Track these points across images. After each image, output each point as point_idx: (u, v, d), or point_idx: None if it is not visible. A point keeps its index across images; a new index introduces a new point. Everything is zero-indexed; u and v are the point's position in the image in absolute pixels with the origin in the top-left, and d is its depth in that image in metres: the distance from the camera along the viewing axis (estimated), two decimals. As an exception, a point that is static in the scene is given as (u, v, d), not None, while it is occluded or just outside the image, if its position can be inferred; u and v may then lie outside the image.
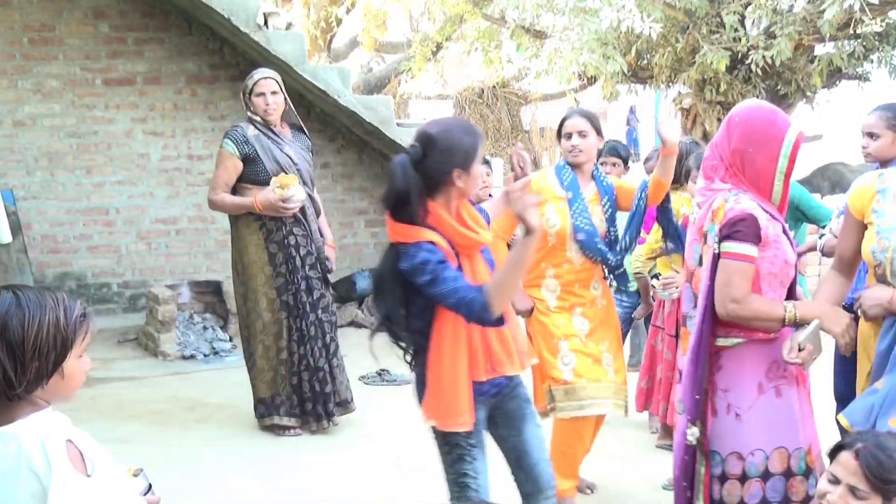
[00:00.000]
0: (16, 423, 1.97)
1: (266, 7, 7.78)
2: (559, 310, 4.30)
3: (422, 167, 2.97)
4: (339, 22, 15.62)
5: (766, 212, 3.07)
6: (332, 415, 5.53)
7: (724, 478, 3.12)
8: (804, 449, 3.12)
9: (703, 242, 3.19)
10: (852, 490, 2.42)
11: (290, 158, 5.46)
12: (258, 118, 5.41)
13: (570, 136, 4.28)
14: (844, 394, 4.52)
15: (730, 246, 3.03)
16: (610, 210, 4.35)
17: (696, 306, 3.19)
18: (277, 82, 5.45)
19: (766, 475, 3.08)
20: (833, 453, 2.53)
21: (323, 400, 5.49)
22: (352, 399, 5.69)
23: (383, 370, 6.67)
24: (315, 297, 5.48)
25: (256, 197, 5.29)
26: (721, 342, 3.14)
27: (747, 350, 3.12)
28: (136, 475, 2.29)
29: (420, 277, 2.92)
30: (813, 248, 4.68)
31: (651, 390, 5.34)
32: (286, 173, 5.33)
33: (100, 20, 8.36)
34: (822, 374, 4.76)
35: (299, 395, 5.47)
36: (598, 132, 4.36)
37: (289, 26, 7.88)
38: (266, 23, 7.49)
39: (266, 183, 5.31)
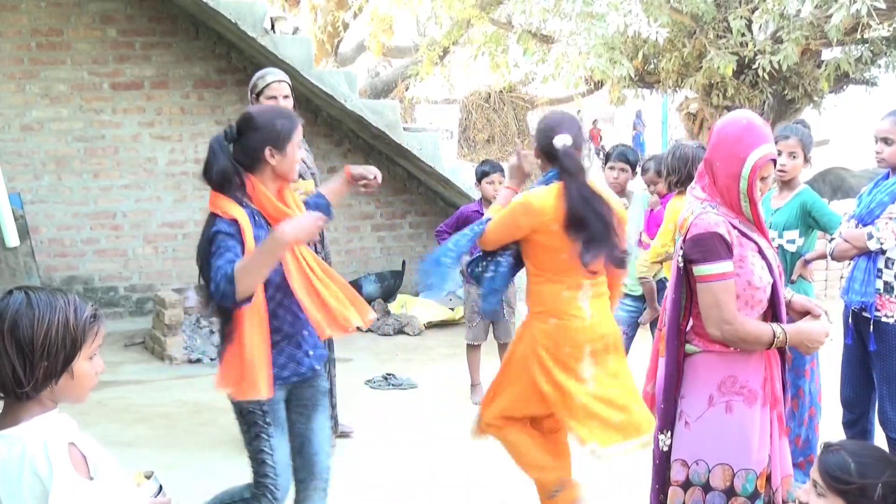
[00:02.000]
0: (21, 426, 1.98)
1: (273, 11, 7.81)
2: None
3: (238, 144, 3.22)
4: (346, 26, 15.66)
5: (736, 228, 2.96)
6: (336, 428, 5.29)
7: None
8: (755, 472, 2.96)
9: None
10: (815, 485, 2.47)
11: (305, 163, 5.36)
12: None
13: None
14: (851, 400, 4.51)
15: (706, 269, 2.94)
16: None
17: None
18: (289, 85, 5.40)
19: (706, 487, 3.00)
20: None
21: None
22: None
23: (389, 374, 6.67)
24: None
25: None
26: (686, 348, 3.15)
27: (702, 360, 3.09)
28: (147, 477, 2.30)
29: (210, 246, 3.10)
30: (823, 256, 4.63)
31: (655, 395, 5.32)
32: (303, 178, 5.25)
33: (107, 25, 8.39)
34: (829, 381, 4.75)
35: None
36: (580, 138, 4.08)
37: (296, 31, 7.90)
38: (273, 27, 7.51)
39: None
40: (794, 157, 4.49)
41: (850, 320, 4.37)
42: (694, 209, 3.00)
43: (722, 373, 3.03)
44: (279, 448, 3.31)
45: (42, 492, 1.92)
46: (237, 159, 3.21)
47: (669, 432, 3.11)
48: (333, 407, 5.43)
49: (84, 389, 2.10)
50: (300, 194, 5.06)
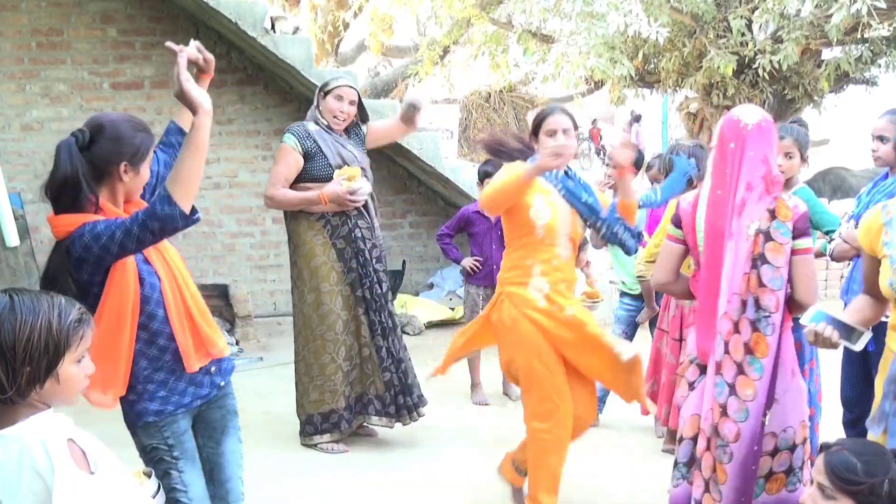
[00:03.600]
0: (16, 426, 1.98)
1: (273, 11, 7.81)
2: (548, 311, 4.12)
3: (88, 153, 2.81)
4: (346, 26, 15.66)
5: None
6: (419, 405, 5.33)
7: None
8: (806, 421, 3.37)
9: (756, 242, 3.15)
10: (821, 488, 2.45)
11: (353, 154, 5.26)
12: (323, 120, 5.22)
13: (554, 133, 4.08)
14: (852, 399, 4.51)
15: (807, 242, 3.22)
16: (594, 200, 4.21)
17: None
18: (359, 94, 5.27)
19: (792, 448, 3.29)
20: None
21: (410, 391, 5.29)
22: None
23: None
24: (384, 290, 5.27)
25: (323, 190, 5.03)
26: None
27: (786, 336, 3.26)
28: (147, 476, 2.31)
29: (97, 244, 2.71)
30: (821, 254, 4.64)
31: (656, 393, 5.33)
32: (349, 166, 5.17)
33: (107, 24, 8.39)
34: (829, 381, 4.75)
35: (392, 391, 5.26)
36: (575, 127, 4.28)
37: (296, 30, 7.89)
38: (273, 27, 7.51)
39: (327, 179, 5.08)
40: (790, 157, 4.48)
41: None
42: (781, 193, 3.24)
43: (792, 343, 3.32)
44: (193, 483, 3.02)
45: (44, 490, 1.92)
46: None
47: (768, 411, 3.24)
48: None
49: (72, 393, 2.10)
50: (343, 179, 5.02)
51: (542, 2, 9.77)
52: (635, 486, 4.81)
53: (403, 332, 8.13)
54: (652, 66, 11.02)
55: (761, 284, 3.13)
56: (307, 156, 5.12)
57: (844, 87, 11.56)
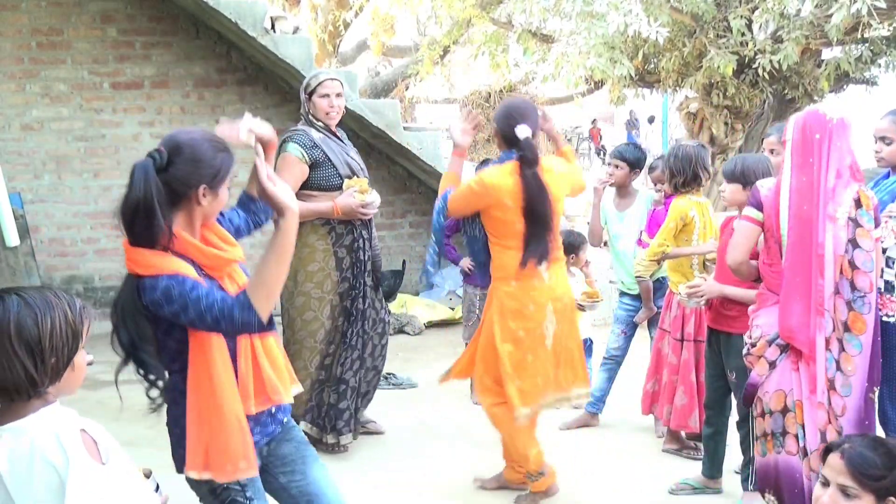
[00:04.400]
0: (26, 419, 2.00)
1: (273, 11, 7.80)
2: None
3: (164, 175, 2.62)
4: (346, 26, 15.66)
5: None
6: (341, 433, 5.23)
7: None
8: None
9: (849, 228, 3.48)
10: (843, 489, 2.44)
11: (358, 162, 5.25)
12: (319, 122, 5.14)
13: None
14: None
15: (878, 231, 3.55)
16: None
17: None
18: (342, 84, 5.23)
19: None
20: (823, 457, 2.55)
21: (340, 415, 5.22)
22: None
23: (389, 374, 6.67)
24: (365, 305, 5.21)
25: (336, 202, 4.97)
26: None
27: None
28: (147, 476, 2.32)
29: (168, 308, 2.54)
30: None
31: (657, 393, 5.33)
32: (357, 177, 5.13)
33: (108, 24, 8.39)
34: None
35: (321, 406, 5.22)
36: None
37: (296, 30, 7.89)
38: (273, 27, 7.51)
39: (335, 188, 5.03)
40: (776, 154, 4.50)
41: None
42: (863, 187, 3.53)
43: None
44: None
45: (57, 482, 1.93)
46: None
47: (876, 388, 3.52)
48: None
49: (80, 381, 2.15)
50: (355, 191, 4.99)
51: (542, 2, 9.76)
52: (635, 486, 4.81)
53: (403, 332, 8.14)
54: (652, 66, 11.01)
55: (854, 267, 3.43)
56: (314, 165, 5.03)
57: (844, 86, 11.55)
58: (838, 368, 3.45)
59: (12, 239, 7.52)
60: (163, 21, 8.46)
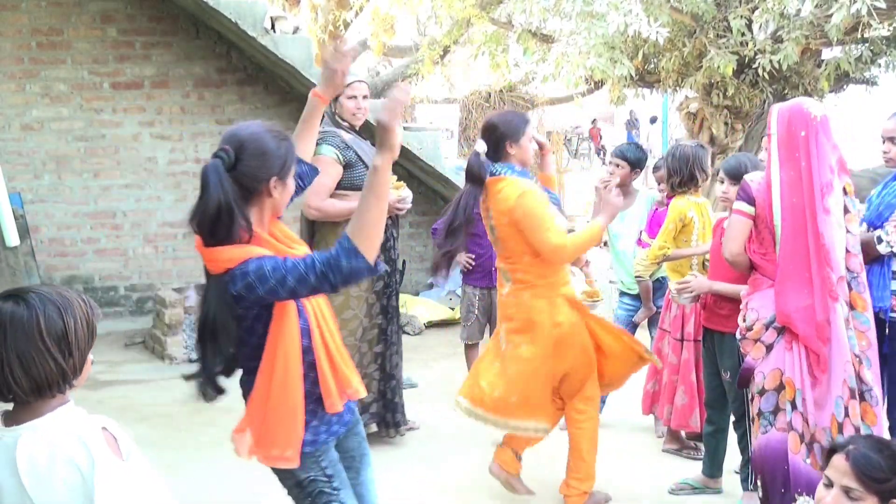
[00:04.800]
0: (44, 418, 2.01)
1: (273, 11, 7.80)
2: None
3: (233, 173, 2.61)
4: (346, 26, 15.65)
5: None
6: (401, 425, 5.43)
7: None
8: None
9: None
10: (846, 491, 2.43)
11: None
12: (345, 122, 5.17)
13: (532, 139, 4.44)
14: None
15: None
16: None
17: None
18: (368, 86, 5.28)
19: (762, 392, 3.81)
20: (827, 458, 2.55)
21: (398, 409, 5.42)
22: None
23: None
24: (397, 302, 5.37)
25: None
26: None
27: None
28: None
29: (263, 287, 2.53)
30: None
31: (657, 393, 5.33)
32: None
33: (108, 24, 8.39)
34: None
35: (384, 402, 5.35)
36: None
37: (296, 30, 7.90)
38: (273, 27, 7.51)
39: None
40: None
41: None
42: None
43: None
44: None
45: (80, 482, 1.94)
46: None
47: None
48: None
49: (85, 378, 2.15)
50: (391, 188, 4.94)
51: (542, 2, 9.75)
52: (635, 486, 4.81)
53: (403, 331, 8.14)
54: (652, 66, 11.00)
55: (847, 251, 3.62)
56: (347, 165, 5.07)
57: (844, 86, 11.55)
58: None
59: (12, 239, 7.52)
60: (163, 21, 8.46)
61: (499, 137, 4.26)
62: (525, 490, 4.55)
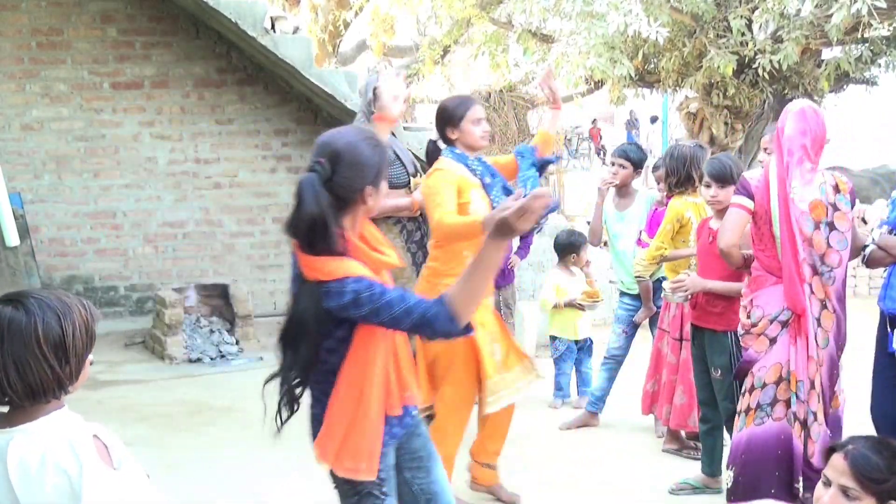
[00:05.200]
0: (37, 422, 2.00)
1: (273, 11, 7.80)
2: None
3: (329, 184, 2.61)
4: (346, 26, 15.67)
5: None
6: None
7: None
8: None
9: (827, 214, 3.77)
10: (844, 490, 2.43)
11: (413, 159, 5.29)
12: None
13: (480, 121, 4.28)
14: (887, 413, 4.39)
15: (855, 211, 3.87)
16: (504, 184, 4.36)
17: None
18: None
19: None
20: (826, 457, 2.55)
21: None
22: None
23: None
24: None
25: (415, 197, 4.84)
26: None
27: None
28: None
29: (356, 311, 2.58)
30: None
31: (657, 393, 5.33)
32: (420, 173, 5.12)
33: (108, 24, 8.39)
34: (864, 389, 4.59)
35: None
36: None
37: (296, 30, 7.90)
38: (273, 27, 7.51)
39: (404, 185, 4.99)
40: (769, 152, 4.66)
41: (889, 328, 4.21)
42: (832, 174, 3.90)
43: None
44: None
45: (68, 488, 1.93)
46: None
47: None
48: None
49: (84, 380, 2.15)
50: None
51: (542, 2, 9.77)
52: (635, 486, 4.81)
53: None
54: (652, 66, 11.02)
55: (829, 246, 3.75)
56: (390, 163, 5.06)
57: (844, 86, 11.57)
58: (819, 325, 3.78)
59: (12, 239, 7.52)
60: (163, 21, 8.45)
61: (441, 124, 4.33)
62: (509, 497, 4.55)
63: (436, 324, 2.53)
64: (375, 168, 2.68)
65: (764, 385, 3.83)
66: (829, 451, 2.55)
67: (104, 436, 2.03)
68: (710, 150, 5.71)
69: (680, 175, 4.89)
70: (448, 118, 4.28)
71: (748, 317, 3.92)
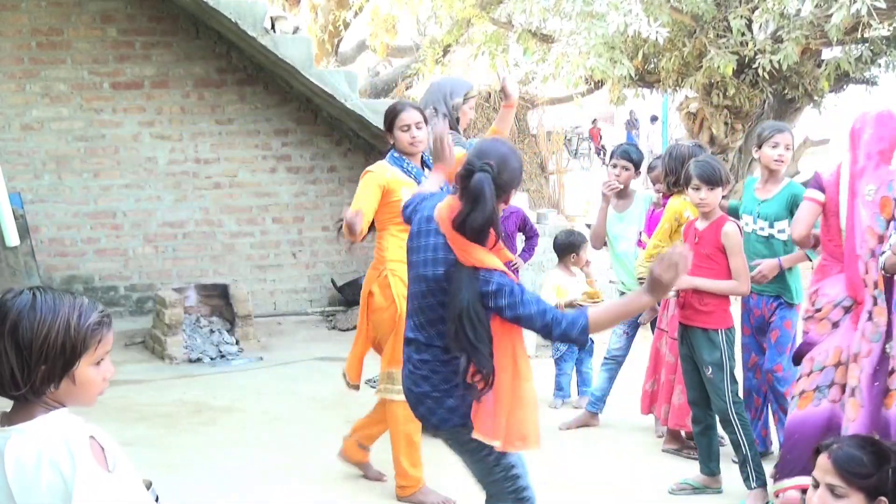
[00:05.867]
0: (34, 421, 1.99)
1: (273, 11, 7.80)
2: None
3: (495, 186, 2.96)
4: (346, 26, 15.67)
5: None
6: None
7: None
8: None
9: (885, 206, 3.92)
10: (831, 489, 2.45)
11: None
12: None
13: (409, 128, 4.47)
14: None
15: None
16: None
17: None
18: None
19: None
20: (813, 459, 2.56)
21: None
22: None
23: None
24: None
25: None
26: None
27: None
28: (147, 487, 2.30)
29: (495, 302, 2.91)
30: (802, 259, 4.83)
31: (656, 393, 5.33)
32: None
33: (107, 24, 8.39)
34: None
35: None
36: (426, 122, 4.58)
37: (296, 30, 7.90)
38: (273, 27, 7.51)
39: None
40: (788, 149, 4.90)
41: None
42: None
43: None
44: (519, 461, 3.24)
45: (62, 488, 1.93)
46: None
47: None
48: None
49: (90, 395, 2.10)
50: None
51: (542, 2, 9.76)
52: (635, 486, 4.81)
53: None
54: (652, 66, 11.01)
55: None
56: None
57: (844, 86, 11.56)
58: (869, 318, 3.90)
59: (12, 239, 7.51)
60: (163, 21, 8.45)
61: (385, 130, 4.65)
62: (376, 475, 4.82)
63: (571, 333, 2.88)
64: (520, 175, 3.06)
65: (823, 368, 4.05)
66: (815, 453, 2.56)
67: (100, 437, 2.02)
68: (709, 149, 5.70)
69: (678, 174, 4.89)
70: (386, 125, 4.59)
71: (812, 304, 4.23)
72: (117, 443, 2.10)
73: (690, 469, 4.86)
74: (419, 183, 4.34)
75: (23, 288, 2.06)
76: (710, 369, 4.37)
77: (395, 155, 4.56)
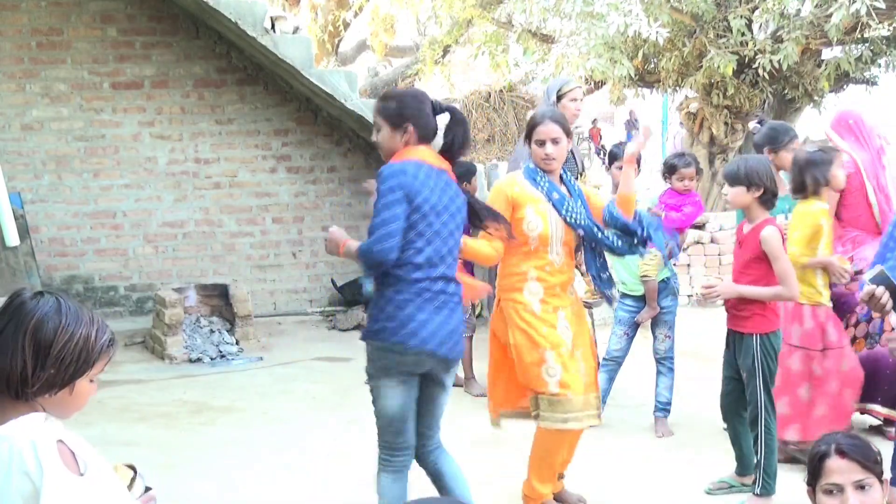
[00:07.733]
0: (7, 424, 1.99)
1: (273, 11, 7.80)
2: (544, 314, 4.17)
3: None
4: (346, 26, 15.68)
5: None
6: None
7: None
8: None
9: None
10: (859, 487, 2.42)
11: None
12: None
13: (543, 143, 4.16)
14: None
15: None
16: (585, 211, 4.25)
17: None
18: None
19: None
20: (812, 472, 2.50)
21: None
22: None
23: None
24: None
25: None
26: None
27: None
28: (133, 476, 2.29)
29: None
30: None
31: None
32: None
33: (107, 24, 8.39)
34: None
35: None
36: (569, 134, 4.27)
37: (296, 30, 7.90)
38: (273, 27, 7.51)
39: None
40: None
41: None
42: None
43: None
44: None
45: (31, 490, 1.92)
46: None
47: None
48: None
49: (76, 407, 2.12)
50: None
51: (542, 2, 9.77)
52: (635, 486, 4.81)
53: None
54: (652, 66, 11.02)
55: None
56: None
57: (844, 86, 11.58)
58: None
59: (12, 239, 7.52)
60: (163, 21, 8.45)
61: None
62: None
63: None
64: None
65: (871, 318, 4.76)
66: (811, 463, 2.50)
67: (70, 441, 2.02)
68: (709, 150, 5.69)
69: (796, 181, 4.81)
70: (525, 132, 4.33)
71: (853, 267, 4.77)
72: (108, 444, 2.10)
73: (691, 469, 4.85)
74: (551, 200, 4.16)
75: (39, 290, 2.08)
76: (746, 374, 4.35)
77: (531, 167, 4.25)
